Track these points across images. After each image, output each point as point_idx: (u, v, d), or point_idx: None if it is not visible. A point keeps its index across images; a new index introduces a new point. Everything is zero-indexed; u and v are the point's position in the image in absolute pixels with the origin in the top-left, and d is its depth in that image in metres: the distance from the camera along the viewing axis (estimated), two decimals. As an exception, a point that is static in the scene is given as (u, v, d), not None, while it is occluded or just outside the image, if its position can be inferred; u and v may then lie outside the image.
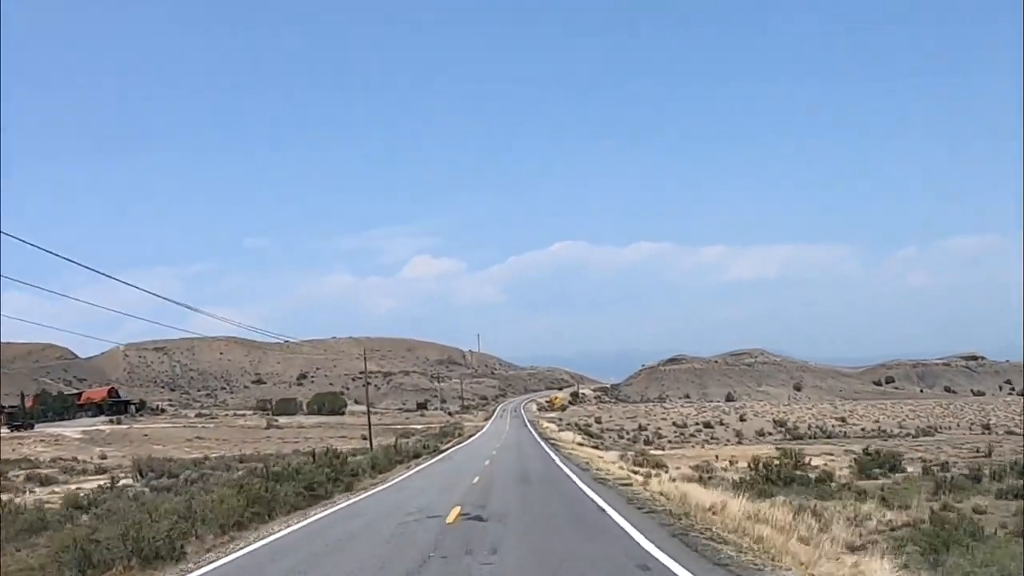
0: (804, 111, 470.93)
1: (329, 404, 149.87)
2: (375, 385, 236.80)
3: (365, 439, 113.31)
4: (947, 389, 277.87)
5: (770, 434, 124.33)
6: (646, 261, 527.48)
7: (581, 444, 65.87)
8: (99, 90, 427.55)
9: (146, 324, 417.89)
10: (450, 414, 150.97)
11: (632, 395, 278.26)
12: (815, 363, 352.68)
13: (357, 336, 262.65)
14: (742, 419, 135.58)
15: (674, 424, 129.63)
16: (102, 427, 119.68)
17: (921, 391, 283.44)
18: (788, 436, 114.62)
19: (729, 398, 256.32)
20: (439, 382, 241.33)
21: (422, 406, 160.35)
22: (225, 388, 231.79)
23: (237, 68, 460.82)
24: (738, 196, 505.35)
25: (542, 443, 67.27)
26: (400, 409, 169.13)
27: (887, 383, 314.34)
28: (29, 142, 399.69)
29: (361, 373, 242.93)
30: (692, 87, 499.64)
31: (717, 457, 70.17)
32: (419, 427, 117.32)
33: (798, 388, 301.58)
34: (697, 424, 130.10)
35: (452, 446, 76.34)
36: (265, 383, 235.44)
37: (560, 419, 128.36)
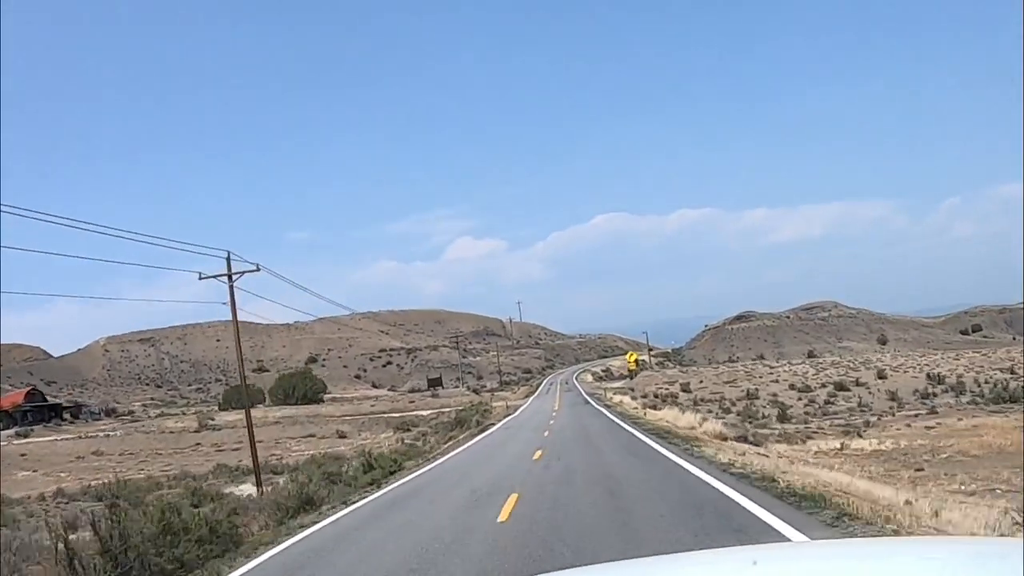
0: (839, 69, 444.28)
1: (301, 389, 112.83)
2: (397, 364, 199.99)
3: (343, 437, 75.84)
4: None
5: (934, 394, 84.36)
6: (690, 228, 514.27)
7: (722, 438, 27.49)
8: (133, 86, 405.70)
9: (129, 316, 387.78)
10: (476, 391, 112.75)
11: (698, 359, 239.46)
12: (892, 314, 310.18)
13: (378, 310, 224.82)
14: (881, 376, 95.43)
15: (793, 388, 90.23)
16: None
17: (1014, 338, 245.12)
18: (986, 394, 75.17)
19: (811, 355, 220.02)
20: (468, 356, 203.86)
21: (435, 383, 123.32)
22: (221, 380, 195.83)
23: (272, 63, 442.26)
24: (775, 158, 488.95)
25: (642, 438, 29.83)
26: (412, 391, 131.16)
27: (974, 331, 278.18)
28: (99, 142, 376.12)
29: (382, 351, 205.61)
30: (724, 52, 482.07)
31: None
32: (428, 413, 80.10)
33: (883, 341, 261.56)
34: (823, 385, 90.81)
35: (454, 448, 38.98)
36: (268, 371, 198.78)
37: (632, 389, 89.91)
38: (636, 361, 78.44)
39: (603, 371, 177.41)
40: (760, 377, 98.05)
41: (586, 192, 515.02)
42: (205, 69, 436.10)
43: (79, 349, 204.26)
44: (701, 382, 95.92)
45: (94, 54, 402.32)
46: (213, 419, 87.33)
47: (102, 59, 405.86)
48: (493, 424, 57.94)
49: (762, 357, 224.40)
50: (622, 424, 36.90)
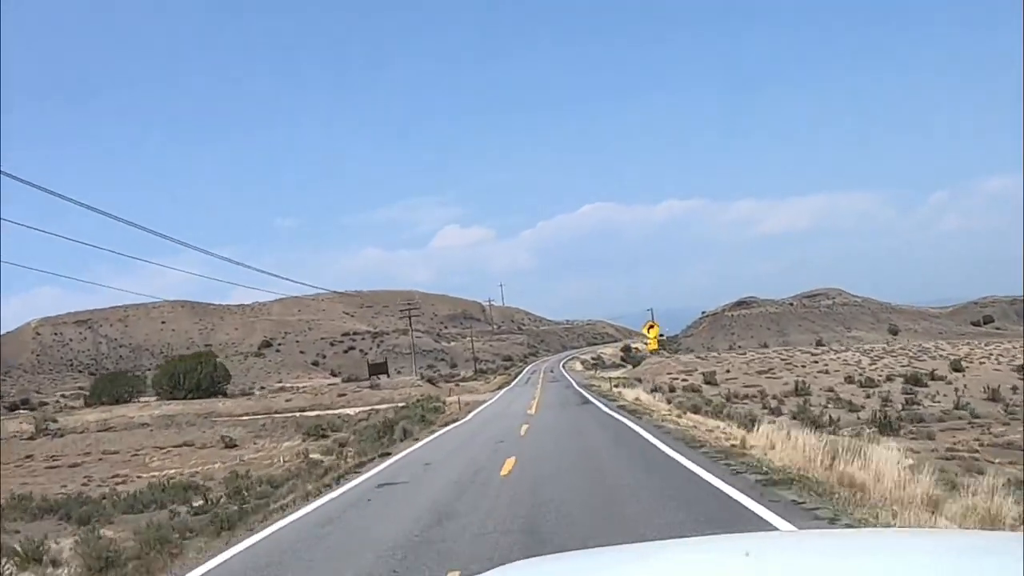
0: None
1: (194, 378, 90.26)
2: (360, 350, 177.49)
3: (231, 447, 54.09)
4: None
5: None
6: (677, 219, 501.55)
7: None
8: (121, 75, 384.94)
9: (64, 292, 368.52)
10: (432, 381, 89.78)
11: (695, 347, 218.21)
12: (898, 304, 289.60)
13: (344, 290, 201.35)
14: (955, 368, 73.94)
15: (851, 380, 68.61)
16: None
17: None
18: None
19: (819, 344, 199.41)
20: (442, 341, 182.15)
21: (378, 370, 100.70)
22: (163, 366, 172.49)
23: (255, 47, 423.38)
24: (762, 149, 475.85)
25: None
26: (350, 380, 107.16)
27: (986, 323, 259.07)
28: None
29: (345, 335, 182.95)
30: (712, 40, 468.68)
31: None
32: (357, 411, 58.16)
33: (894, 332, 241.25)
34: (889, 379, 69.18)
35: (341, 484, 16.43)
36: (217, 356, 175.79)
37: (638, 379, 67.97)
38: (658, 338, 55.11)
39: (593, 359, 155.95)
40: (802, 366, 76.24)
41: (574, 181, 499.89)
42: (189, 53, 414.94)
43: (8, 332, 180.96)
44: (728, 371, 73.93)
45: (77, 37, 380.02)
46: (56, 420, 64.71)
47: (85, 43, 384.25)
48: (448, 425, 36.60)
49: (765, 345, 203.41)
50: (677, 456, 15.58)
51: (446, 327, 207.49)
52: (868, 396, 62.17)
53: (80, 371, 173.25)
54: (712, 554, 2.95)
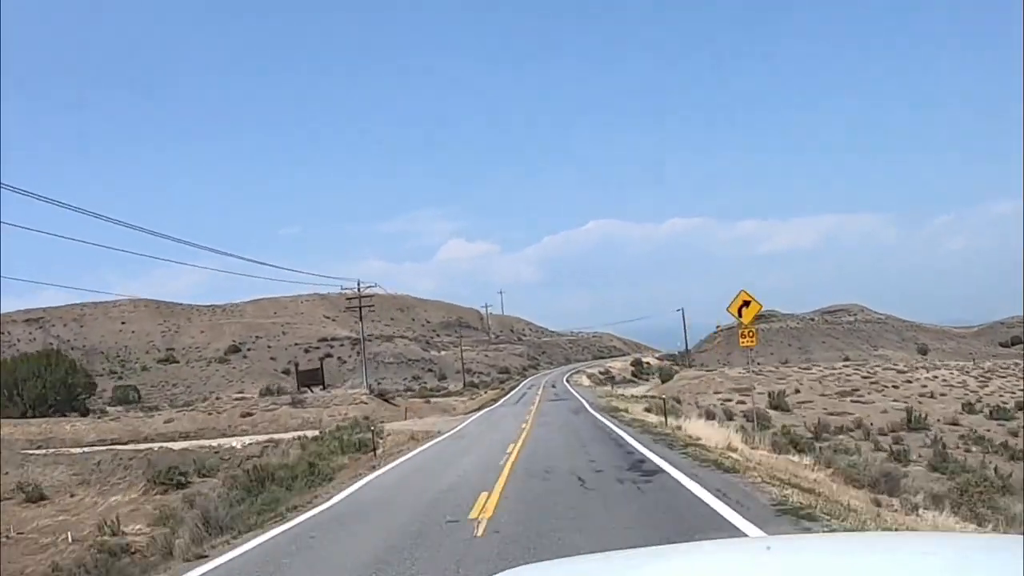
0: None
1: (32, 389, 69.42)
2: (339, 358, 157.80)
3: (36, 501, 34.49)
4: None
5: None
6: (682, 236, 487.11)
7: None
8: (123, 80, 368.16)
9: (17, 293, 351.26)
10: (384, 396, 68.31)
11: (709, 363, 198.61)
12: (923, 322, 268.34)
13: (327, 292, 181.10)
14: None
15: (971, 409, 48.49)
16: None
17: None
18: None
19: (847, 362, 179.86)
20: (431, 350, 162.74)
21: (310, 379, 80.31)
22: (116, 372, 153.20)
23: (259, 56, 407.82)
24: (767, 169, 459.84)
25: None
26: (267, 393, 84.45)
27: (1014, 343, 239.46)
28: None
29: (322, 340, 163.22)
30: (716, 59, 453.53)
31: None
32: (251, 443, 38.40)
33: (923, 351, 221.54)
34: (1021, 408, 49.11)
35: None
36: (177, 361, 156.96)
37: (677, 400, 48.21)
38: (751, 329, 35.62)
39: (601, 373, 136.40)
40: (893, 386, 56.36)
41: (581, 198, 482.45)
42: (196, 61, 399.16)
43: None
44: (797, 391, 54.02)
45: (79, 43, 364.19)
46: None
47: (88, 49, 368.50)
48: (308, 504, 17.16)
49: (786, 362, 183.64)
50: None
51: (438, 335, 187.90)
52: (1015, 434, 42.37)
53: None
54: (722, 556, 2.93)
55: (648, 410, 38.30)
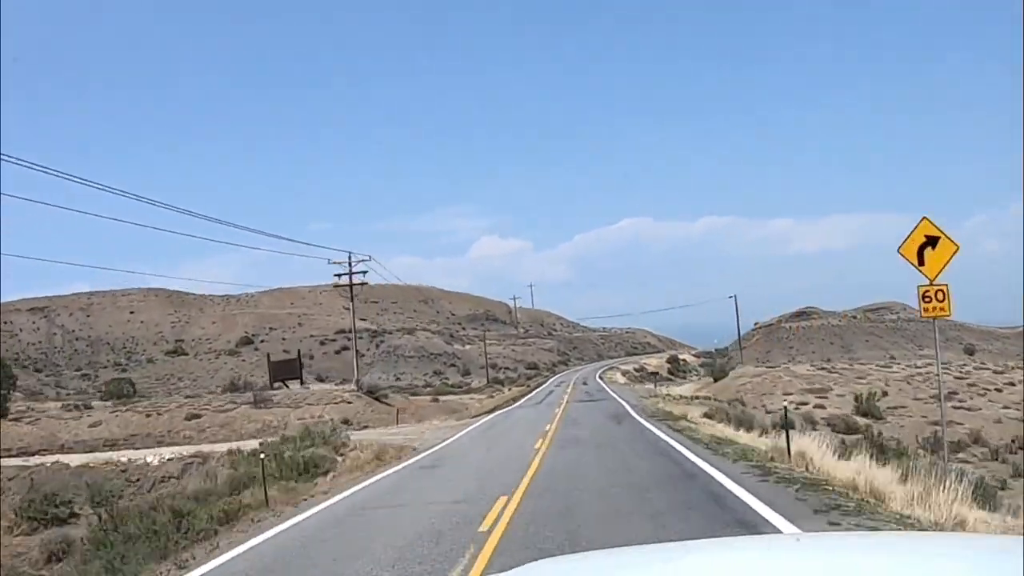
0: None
1: None
2: (358, 350, 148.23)
3: None
4: None
5: None
6: (714, 234, 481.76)
7: None
8: (157, 77, 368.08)
9: (20, 279, 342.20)
10: (374, 393, 56.45)
11: (747, 360, 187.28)
12: (968, 322, 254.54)
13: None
14: None
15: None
16: None
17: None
18: None
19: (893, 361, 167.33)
20: (455, 343, 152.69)
21: (283, 373, 70.33)
22: (122, 364, 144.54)
23: (299, 55, 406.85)
24: (800, 168, 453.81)
25: None
26: (231, 389, 73.50)
27: None
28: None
29: (339, 332, 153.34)
30: (753, 60, 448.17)
31: None
32: (172, 457, 28.49)
33: (970, 352, 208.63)
34: None
35: None
36: (187, 353, 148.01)
37: (741, 402, 37.67)
38: (942, 290, 26.82)
39: (636, 369, 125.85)
40: (996, 389, 45.42)
41: (612, 196, 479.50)
42: (227, 61, 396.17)
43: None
44: (885, 393, 43.11)
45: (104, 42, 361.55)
46: None
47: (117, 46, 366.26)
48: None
49: (828, 361, 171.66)
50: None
51: (463, 328, 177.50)
52: None
53: (25, 366, 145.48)
54: (734, 554, 2.92)
55: (709, 416, 27.96)
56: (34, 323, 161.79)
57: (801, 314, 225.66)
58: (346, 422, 34.98)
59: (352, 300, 59.50)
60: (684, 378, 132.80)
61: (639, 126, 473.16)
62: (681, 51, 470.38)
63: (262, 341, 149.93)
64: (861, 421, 35.58)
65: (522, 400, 59.98)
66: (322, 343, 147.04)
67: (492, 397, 78.64)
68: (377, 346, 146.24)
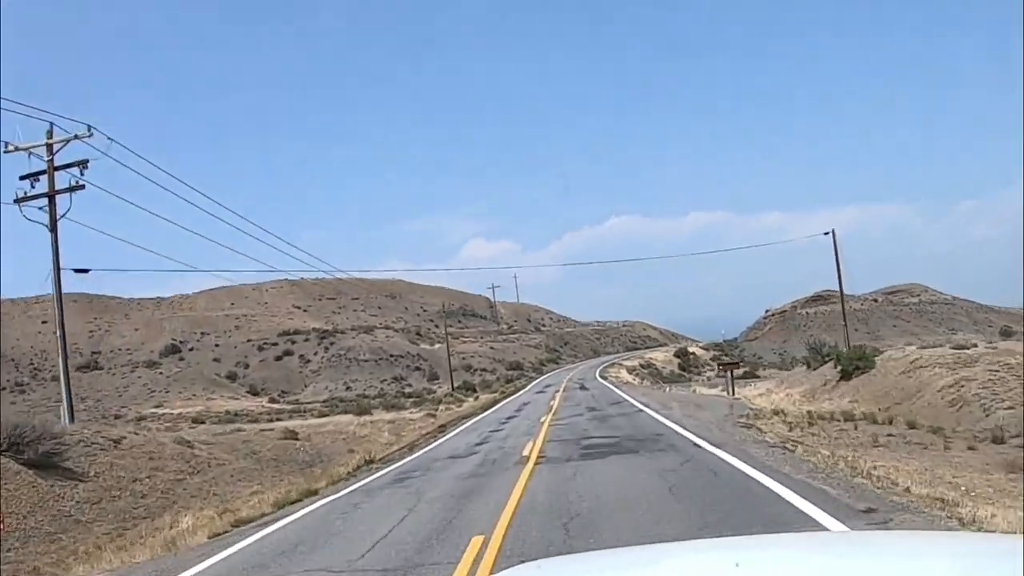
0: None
1: None
2: (300, 355, 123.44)
3: None
4: None
5: None
6: (703, 230, 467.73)
7: None
8: (151, 89, 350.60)
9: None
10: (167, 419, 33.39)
11: (763, 352, 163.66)
12: (996, 305, 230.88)
13: (300, 278, 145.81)
14: None
15: None
16: None
17: None
18: None
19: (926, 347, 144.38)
20: (420, 342, 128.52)
21: None
22: (23, 385, 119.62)
23: (284, 62, 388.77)
24: (789, 162, 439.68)
25: None
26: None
27: None
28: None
29: (282, 335, 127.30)
30: (737, 52, 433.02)
31: None
32: None
33: (1007, 333, 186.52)
34: None
35: None
36: (101, 368, 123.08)
37: (878, 419, 13.71)
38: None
39: (643, 366, 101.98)
40: None
41: (601, 195, 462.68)
42: (218, 70, 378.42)
43: None
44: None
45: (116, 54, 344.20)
46: None
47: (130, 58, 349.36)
48: None
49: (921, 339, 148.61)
50: None
51: (436, 325, 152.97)
52: None
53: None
54: (734, 554, 2.85)
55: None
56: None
57: (818, 298, 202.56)
58: None
59: (54, 220, 32.58)
60: (699, 373, 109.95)
61: (622, 126, 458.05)
62: (678, 48, 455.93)
63: (191, 349, 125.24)
64: None
65: (471, 422, 35.90)
66: (260, 348, 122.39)
67: (450, 409, 54.75)
68: (326, 349, 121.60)
